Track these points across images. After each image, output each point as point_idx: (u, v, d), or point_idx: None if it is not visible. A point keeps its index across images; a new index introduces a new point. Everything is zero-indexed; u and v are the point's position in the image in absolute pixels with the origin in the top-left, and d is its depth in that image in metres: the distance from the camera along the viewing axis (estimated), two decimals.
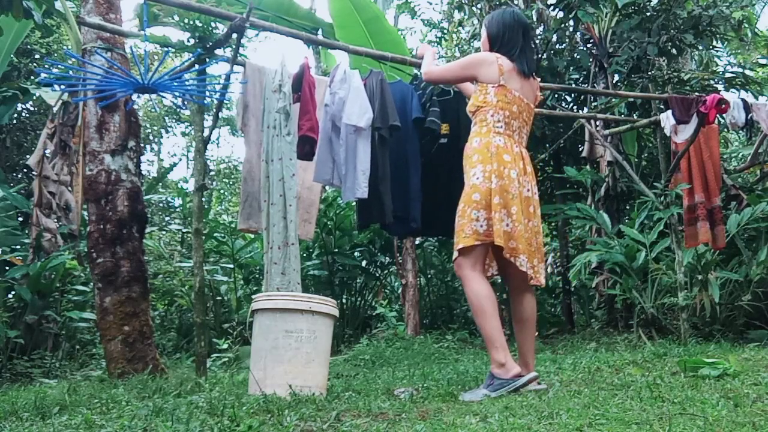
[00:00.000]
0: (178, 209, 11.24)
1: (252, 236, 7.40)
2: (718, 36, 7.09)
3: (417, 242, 7.42)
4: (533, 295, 3.10)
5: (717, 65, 9.14)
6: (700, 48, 7.45)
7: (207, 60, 3.95)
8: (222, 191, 14.37)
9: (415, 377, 3.68)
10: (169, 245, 9.49)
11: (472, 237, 2.91)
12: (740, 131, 6.22)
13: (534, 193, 3.09)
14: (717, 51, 9.01)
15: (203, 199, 4.06)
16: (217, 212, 12.07)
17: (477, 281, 2.92)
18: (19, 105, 8.32)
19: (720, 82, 7.14)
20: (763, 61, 8.87)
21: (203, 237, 4.07)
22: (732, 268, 5.59)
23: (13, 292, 6.32)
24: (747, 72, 7.42)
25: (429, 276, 8.18)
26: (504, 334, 2.94)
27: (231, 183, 14.86)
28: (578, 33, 7.49)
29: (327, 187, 6.25)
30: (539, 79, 3.35)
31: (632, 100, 6.93)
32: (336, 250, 7.66)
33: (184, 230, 9.21)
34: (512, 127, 3.07)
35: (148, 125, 13.95)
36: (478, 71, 3.11)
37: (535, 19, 7.31)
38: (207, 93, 4.04)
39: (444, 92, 4.48)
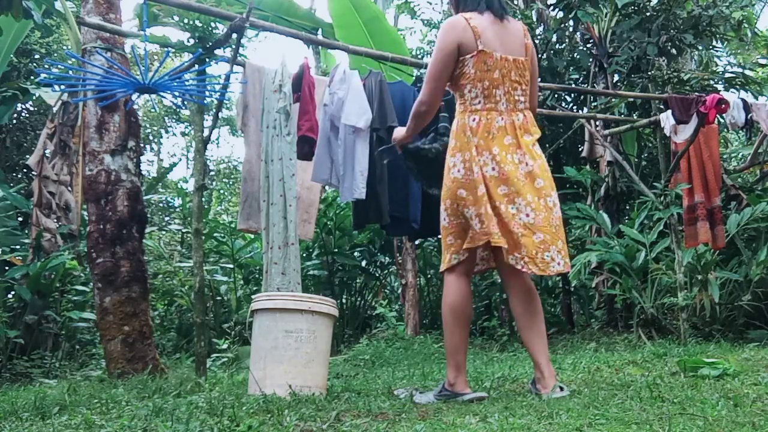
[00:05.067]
0: (177, 209, 11.24)
1: (252, 236, 7.39)
2: (717, 36, 7.09)
3: (417, 242, 7.42)
4: (526, 283, 2.71)
5: (717, 65, 9.13)
6: (700, 48, 7.45)
7: (207, 60, 3.95)
8: (222, 191, 14.37)
9: (415, 377, 3.68)
10: (169, 245, 9.49)
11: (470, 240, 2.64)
12: (740, 131, 6.22)
13: (539, 163, 2.67)
14: (717, 51, 9.00)
15: (203, 199, 4.06)
16: (217, 212, 12.07)
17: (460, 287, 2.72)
18: (19, 105, 8.32)
19: (720, 82, 7.13)
20: (763, 61, 8.87)
21: (203, 237, 4.07)
22: (732, 268, 5.59)
23: (13, 292, 6.32)
24: (747, 72, 7.42)
25: (429, 276, 8.18)
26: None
27: (231, 183, 14.87)
28: (578, 33, 7.49)
29: (327, 187, 6.26)
30: (519, 21, 2.85)
31: (632, 100, 6.93)
32: (336, 250, 7.66)
33: (183, 230, 9.20)
34: (495, 97, 2.65)
35: (147, 125, 13.95)
36: (458, 39, 2.62)
37: (534, 19, 7.31)
38: (207, 93, 4.04)
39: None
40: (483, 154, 2.62)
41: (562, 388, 2.59)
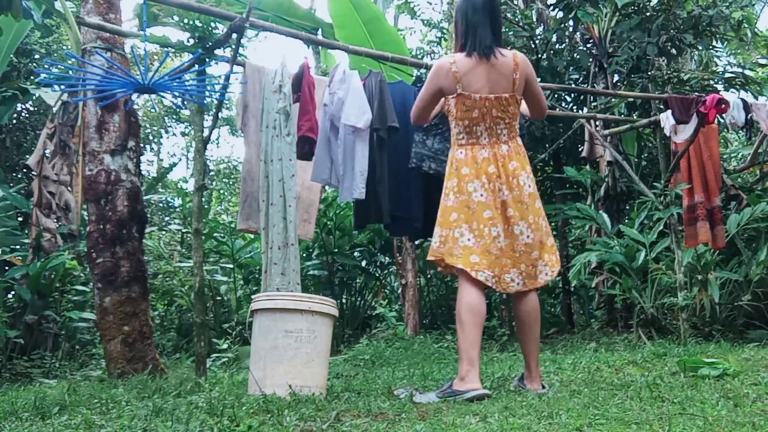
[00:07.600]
0: (177, 209, 11.23)
1: (252, 236, 7.39)
2: (717, 36, 7.09)
3: (417, 242, 7.42)
4: (530, 295, 2.94)
5: (717, 65, 9.14)
6: (700, 48, 7.45)
7: (207, 60, 3.94)
8: (222, 191, 14.37)
9: (415, 377, 3.68)
10: (169, 245, 9.49)
11: (434, 253, 2.94)
12: (740, 131, 6.22)
13: (515, 194, 2.90)
14: (717, 51, 9.01)
15: (203, 199, 4.06)
16: (217, 212, 12.06)
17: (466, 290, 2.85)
18: (19, 105, 8.31)
19: (720, 82, 7.13)
20: (763, 61, 8.87)
21: (203, 237, 4.07)
22: (732, 268, 5.59)
23: (13, 292, 6.32)
24: (747, 72, 7.41)
25: (429, 276, 8.18)
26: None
27: (231, 183, 14.86)
28: (578, 33, 7.49)
29: (327, 187, 6.26)
30: (512, 52, 2.94)
31: (632, 100, 6.93)
32: (336, 250, 7.66)
33: (183, 230, 9.20)
34: (476, 133, 2.91)
35: (147, 125, 13.94)
36: (440, 84, 2.93)
37: (535, 19, 7.31)
38: (207, 93, 4.04)
39: None
40: (474, 182, 2.89)
41: (544, 386, 2.91)
